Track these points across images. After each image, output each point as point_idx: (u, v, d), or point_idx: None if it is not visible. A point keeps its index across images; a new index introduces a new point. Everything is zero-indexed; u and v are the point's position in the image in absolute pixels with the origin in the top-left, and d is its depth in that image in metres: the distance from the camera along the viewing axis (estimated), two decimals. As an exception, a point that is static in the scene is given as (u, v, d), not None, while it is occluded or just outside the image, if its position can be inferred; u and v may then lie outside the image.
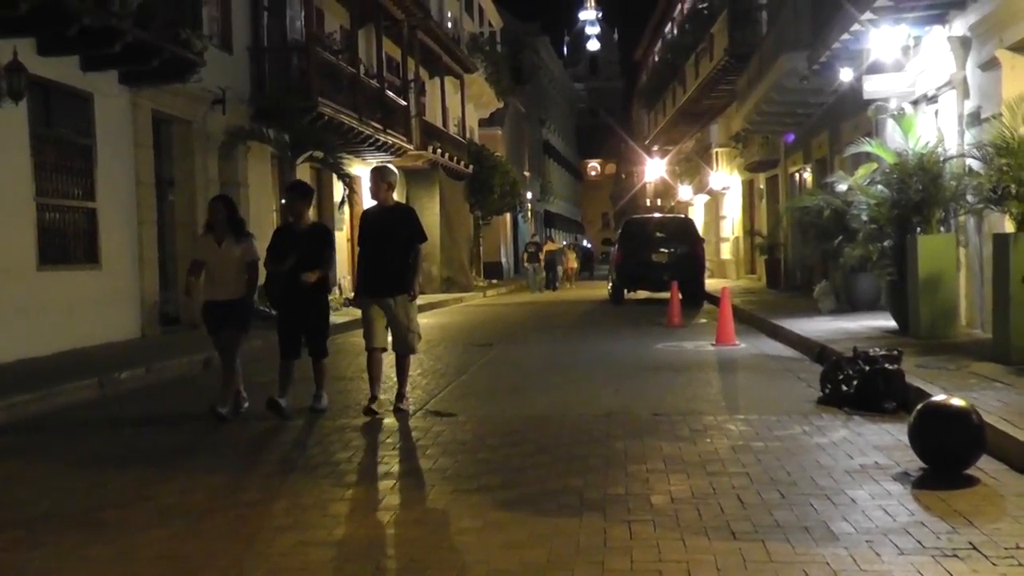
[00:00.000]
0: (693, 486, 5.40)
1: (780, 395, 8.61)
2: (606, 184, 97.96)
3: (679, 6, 38.95)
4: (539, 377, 10.35)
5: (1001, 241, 9.02)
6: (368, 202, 8.43)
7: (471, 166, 33.45)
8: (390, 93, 24.36)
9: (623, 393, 8.97)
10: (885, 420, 7.11)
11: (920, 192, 11.33)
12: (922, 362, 8.86)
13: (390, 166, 8.58)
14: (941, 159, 11.36)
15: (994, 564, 4.01)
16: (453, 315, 21.39)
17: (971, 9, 11.36)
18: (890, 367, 7.65)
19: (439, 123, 31.73)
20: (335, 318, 15.86)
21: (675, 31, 40.46)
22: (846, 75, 15.86)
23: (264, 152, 18.61)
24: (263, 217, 18.08)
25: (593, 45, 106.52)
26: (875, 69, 14.44)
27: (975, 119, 11.53)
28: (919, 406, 5.73)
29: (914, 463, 5.64)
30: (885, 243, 12.14)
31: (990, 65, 11.07)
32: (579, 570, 4.11)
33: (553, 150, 68.85)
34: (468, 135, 37.68)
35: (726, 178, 34.12)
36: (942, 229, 11.51)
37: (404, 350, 8.25)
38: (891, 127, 13.80)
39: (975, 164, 10.54)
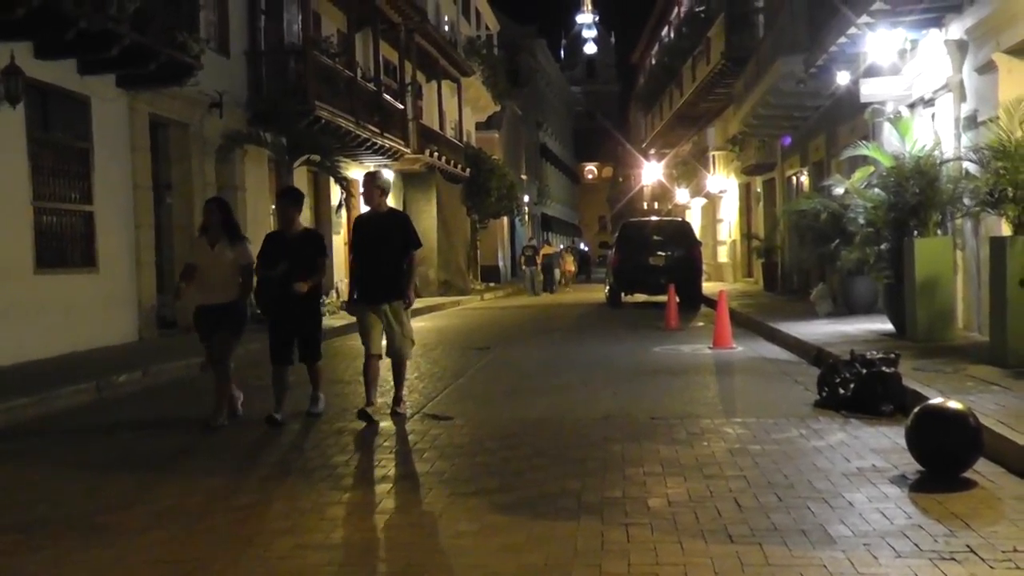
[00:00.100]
0: (690, 489, 5.41)
1: (777, 398, 8.61)
2: (603, 187, 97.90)
3: (676, 9, 39.02)
4: (536, 380, 10.34)
5: (998, 244, 9.04)
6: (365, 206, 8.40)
7: (468, 169, 33.45)
8: (387, 97, 24.38)
9: (621, 396, 8.97)
10: (882, 423, 7.12)
11: (917, 195, 11.33)
12: (919, 365, 8.86)
13: (384, 171, 8.56)
14: (938, 162, 11.37)
15: (991, 567, 4.02)
16: (450, 318, 21.38)
17: (968, 13, 11.37)
18: (887, 370, 7.65)
19: (436, 126, 31.75)
20: (333, 321, 15.89)
21: (672, 34, 40.53)
22: (843, 78, 15.85)
23: (261, 156, 18.61)
24: (260, 221, 18.05)
25: (590, 48, 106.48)
26: (872, 72, 14.48)
27: (972, 122, 11.55)
28: (916, 409, 5.74)
29: (911, 466, 5.65)
30: (882, 246, 12.15)
31: (987, 68, 11.08)
32: (576, 573, 4.12)
33: (550, 153, 68.86)
34: (465, 138, 37.72)
35: (723, 181, 34.10)
36: (939, 232, 11.51)
37: (399, 356, 8.26)
38: (888, 130, 13.81)
39: (972, 167, 10.55)
